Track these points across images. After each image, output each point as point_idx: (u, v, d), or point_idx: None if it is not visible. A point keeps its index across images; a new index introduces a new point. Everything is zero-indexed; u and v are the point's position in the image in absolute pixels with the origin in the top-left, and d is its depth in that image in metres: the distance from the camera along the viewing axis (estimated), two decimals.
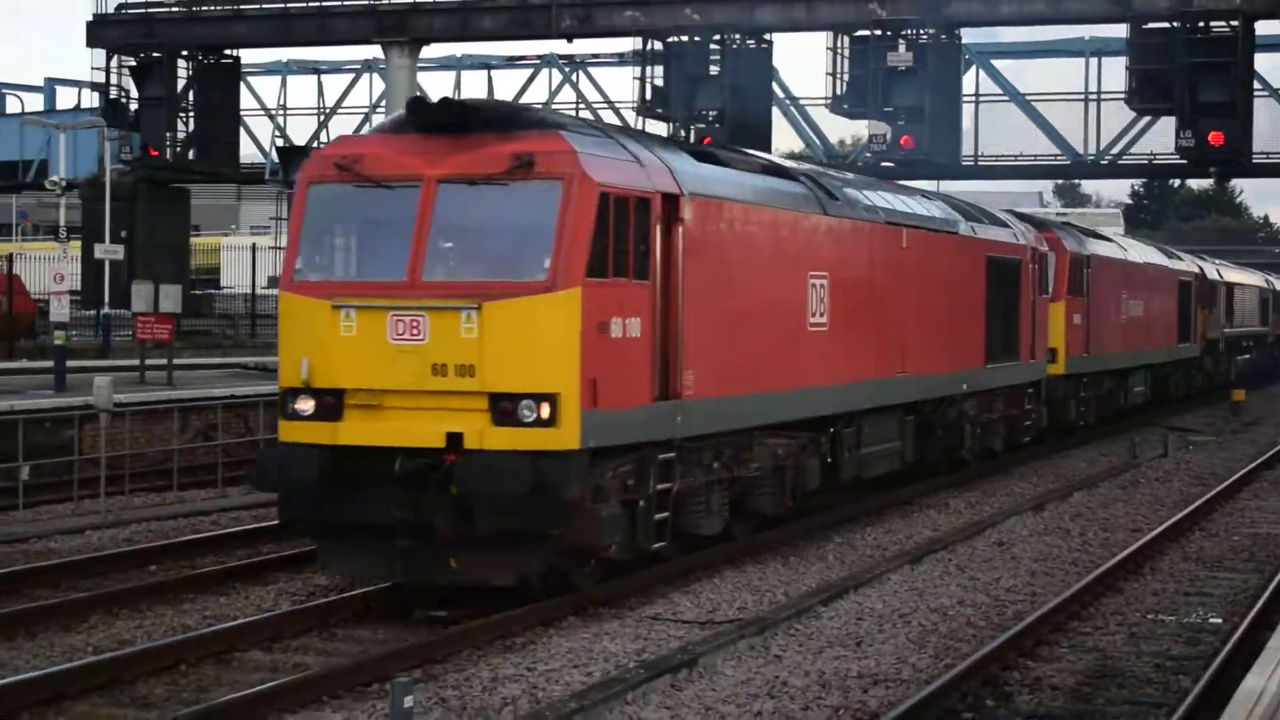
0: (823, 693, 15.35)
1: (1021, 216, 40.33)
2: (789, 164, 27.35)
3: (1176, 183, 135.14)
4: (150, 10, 55.51)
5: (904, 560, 22.62)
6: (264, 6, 53.67)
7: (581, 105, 64.51)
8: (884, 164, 50.31)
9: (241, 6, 53.89)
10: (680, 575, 20.94)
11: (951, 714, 14.85)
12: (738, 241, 21.55)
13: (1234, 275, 72.39)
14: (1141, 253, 50.87)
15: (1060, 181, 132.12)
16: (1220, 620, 19.31)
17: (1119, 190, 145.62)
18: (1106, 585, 21.09)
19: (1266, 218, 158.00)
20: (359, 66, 65.36)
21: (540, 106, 25.80)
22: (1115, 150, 58.06)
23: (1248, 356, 76.13)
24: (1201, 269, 61.02)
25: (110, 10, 57.34)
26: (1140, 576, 22.23)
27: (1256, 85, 49.87)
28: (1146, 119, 53.52)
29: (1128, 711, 15.18)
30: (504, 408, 17.26)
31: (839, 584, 20.67)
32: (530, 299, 17.47)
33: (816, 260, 23.97)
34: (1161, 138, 53.23)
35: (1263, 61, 50.79)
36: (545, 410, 17.21)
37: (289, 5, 53.73)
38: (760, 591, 20.32)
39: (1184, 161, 50.71)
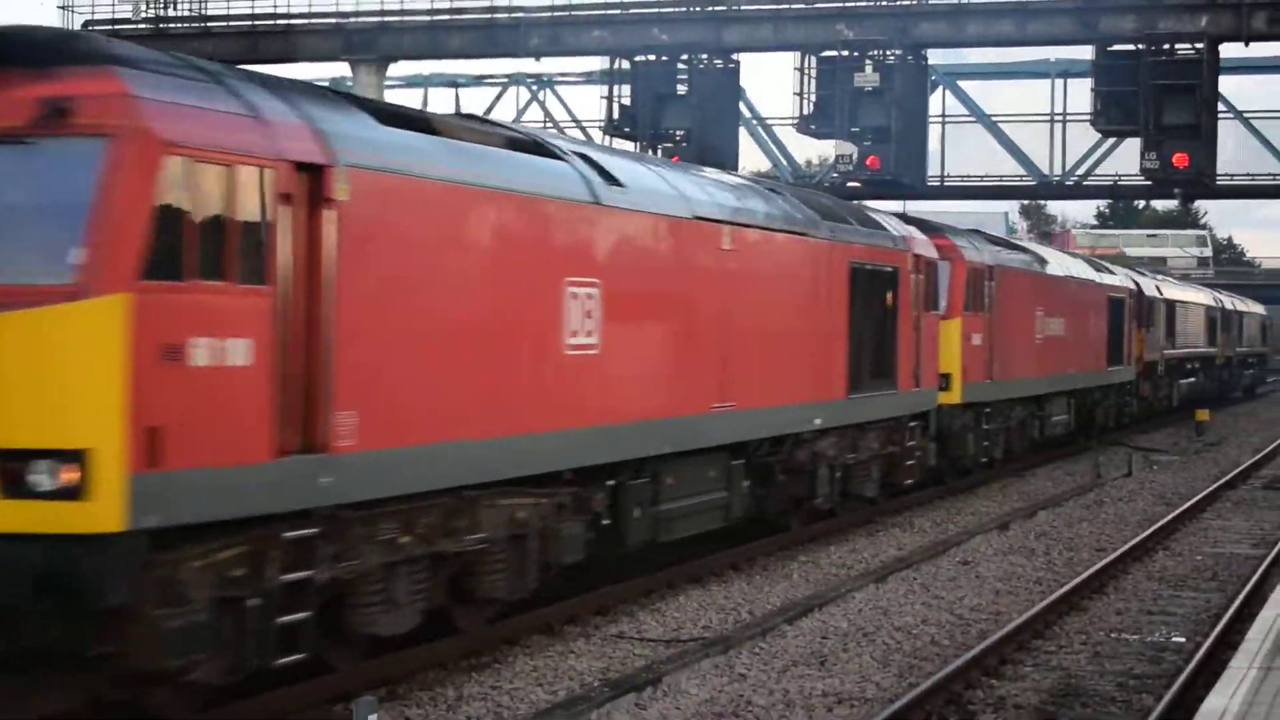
0: (787, 711, 15.38)
1: (920, 222, 34.60)
2: (557, 142, 20.67)
3: (1141, 204, 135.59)
4: (117, 27, 55.26)
5: (869, 579, 22.69)
6: (231, 24, 53.55)
7: (549, 123, 64.56)
8: (850, 184, 50.46)
9: (209, 24, 53.81)
10: (645, 593, 20.95)
11: None
12: (439, 235, 15.83)
13: (1176, 292, 66.96)
14: (1063, 265, 45.83)
15: (1026, 202, 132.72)
16: (1183, 639, 19.37)
17: (1084, 211, 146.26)
18: (1070, 604, 21.17)
19: (1230, 238, 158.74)
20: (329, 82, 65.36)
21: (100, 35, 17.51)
22: (1080, 171, 58.39)
23: (1193, 380, 69.07)
24: (1138, 284, 56.09)
25: (76, 28, 57.18)
26: (1104, 595, 22.33)
27: (1221, 108, 50.02)
28: (1111, 140, 53.78)
29: None
30: (8, 470, 11.80)
31: (804, 602, 20.72)
32: (47, 310, 11.91)
33: (581, 264, 18.38)
34: (1126, 159, 53.43)
35: (1227, 84, 50.96)
36: (70, 475, 11.76)
37: (256, 24, 53.59)
38: (725, 610, 20.36)
39: (1149, 183, 50.79)
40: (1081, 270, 46.98)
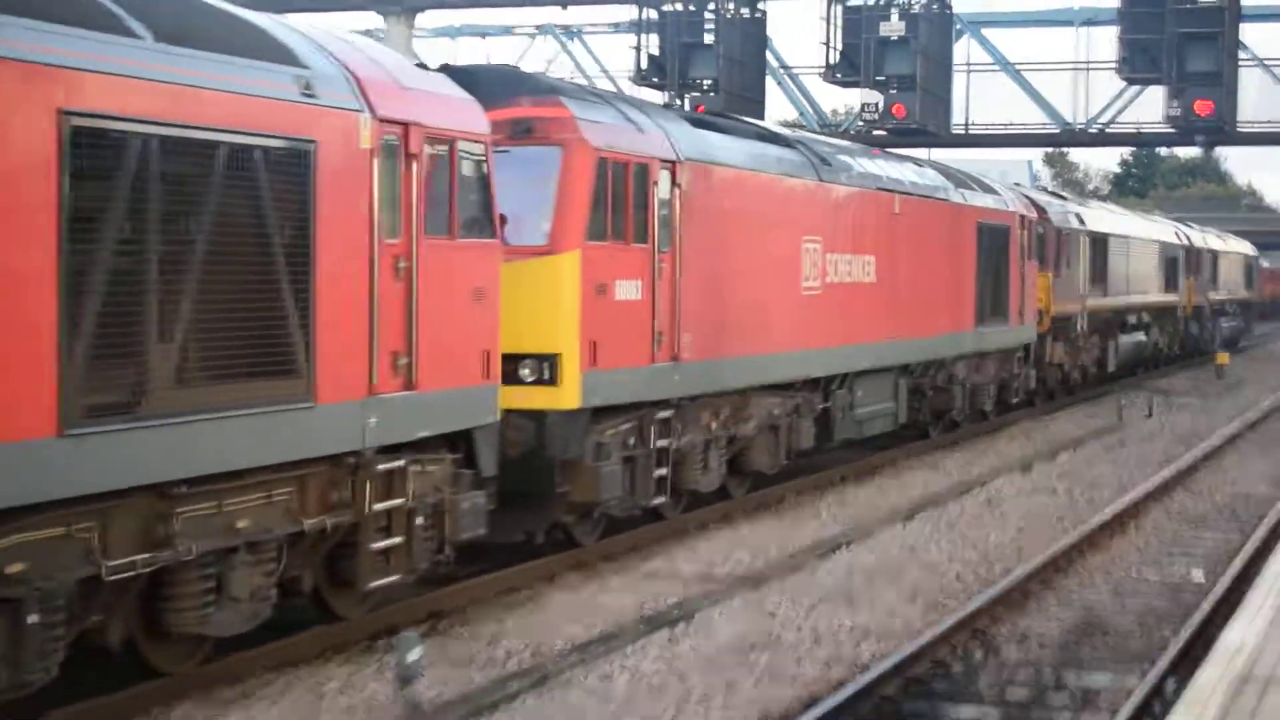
0: (815, 646, 15.46)
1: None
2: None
3: (1164, 151, 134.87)
4: None
5: (896, 517, 22.81)
6: None
7: (576, 74, 64.46)
8: (876, 132, 50.35)
9: None
10: (678, 532, 21.13)
11: (941, 666, 14.99)
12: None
13: (1110, 222, 48.53)
14: (870, 172, 27.34)
15: (1050, 150, 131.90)
16: (1201, 576, 19.46)
17: (1109, 159, 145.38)
18: (1092, 542, 21.24)
19: (1250, 184, 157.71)
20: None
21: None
22: (1104, 119, 58.04)
23: (1139, 338, 50.79)
24: (1041, 209, 39.28)
25: None
26: (1125, 534, 22.41)
27: (1243, 55, 49.81)
28: (1135, 89, 53.46)
29: (1112, 662, 15.31)
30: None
31: (832, 540, 20.85)
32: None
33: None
34: (1150, 108, 53.18)
35: (1249, 32, 50.72)
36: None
37: None
38: (755, 548, 20.44)
39: (1172, 130, 50.66)
40: (920, 181, 29.66)
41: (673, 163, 19.25)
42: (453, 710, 12.78)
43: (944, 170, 32.47)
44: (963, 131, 56.44)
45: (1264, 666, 11.67)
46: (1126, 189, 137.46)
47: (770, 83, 55.65)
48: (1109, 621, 16.98)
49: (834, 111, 71.43)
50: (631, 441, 18.80)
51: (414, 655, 12.82)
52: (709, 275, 20.17)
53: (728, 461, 21.89)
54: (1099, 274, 44.61)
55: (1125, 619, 17.12)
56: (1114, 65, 50.22)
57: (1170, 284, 55.99)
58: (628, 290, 18.08)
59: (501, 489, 16.40)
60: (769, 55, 55.20)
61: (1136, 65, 48.66)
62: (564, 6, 54.98)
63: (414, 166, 14.42)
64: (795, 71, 61.36)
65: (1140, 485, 26.23)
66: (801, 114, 61.15)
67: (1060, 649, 15.82)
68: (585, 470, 17.62)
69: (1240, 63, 48.95)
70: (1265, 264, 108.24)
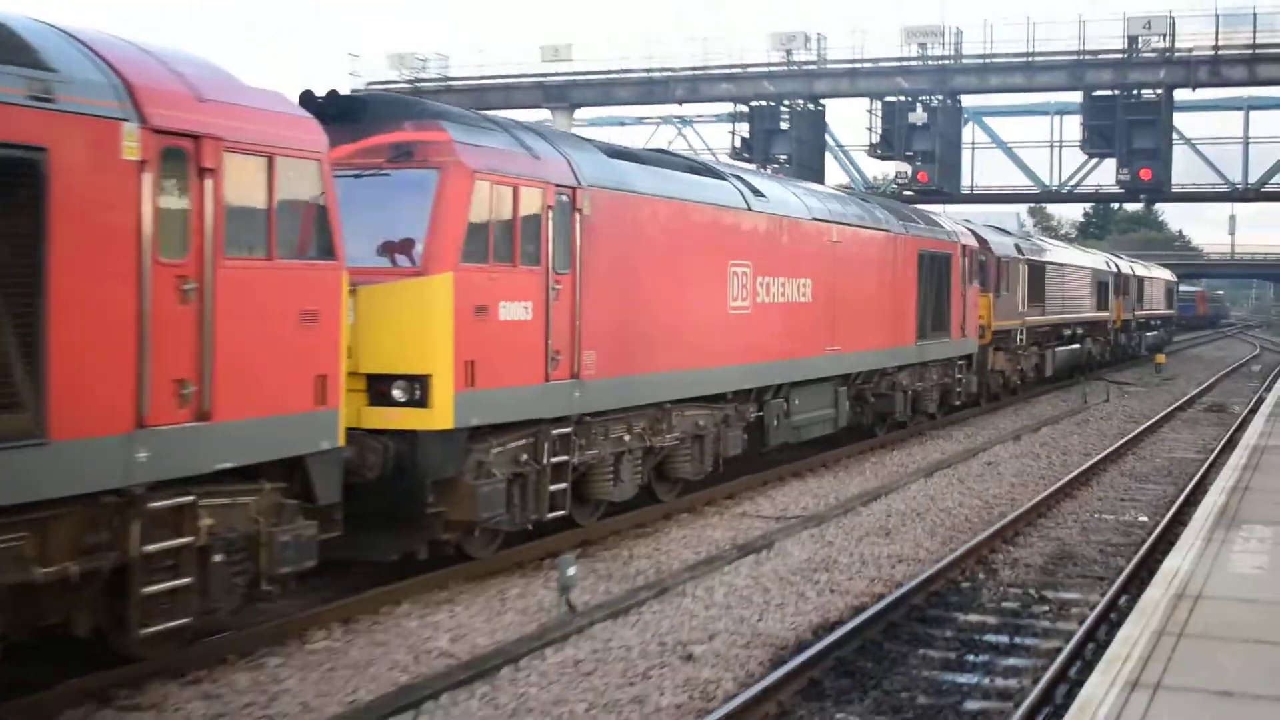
0: (863, 567, 15.44)
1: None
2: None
3: (1116, 206, 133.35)
4: (387, 87, 55.74)
5: (920, 474, 22.66)
6: (466, 83, 53.94)
7: (690, 152, 64.49)
8: (905, 193, 50.21)
9: (450, 83, 54.21)
10: (762, 484, 21.07)
11: (953, 583, 14.87)
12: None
13: (1049, 253, 43.30)
14: (807, 203, 22.52)
15: (1031, 205, 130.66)
16: (1146, 518, 19.23)
17: (1075, 211, 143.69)
18: (1064, 493, 21.04)
19: (1181, 231, 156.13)
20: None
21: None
22: (1072, 183, 57.63)
23: (1073, 347, 45.75)
24: (985, 241, 34.61)
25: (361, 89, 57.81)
26: (1089, 486, 22.15)
27: (1175, 136, 49.33)
28: (1095, 160, 53.01)
29: (1080, 583, 15.16)
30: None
31: (874, 491, 20.74)
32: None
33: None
34: (1106, 174, 52.76)
35: (1179, 120, 50.25)
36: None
37: (484, 82, 53.99)
38: (818, 496, 20.42)
39: (1122, 191, 50.27)
40: (861, 214, 25.05)
41: (572, 188, 14.92)
42: (598, 611, 12.77)
43: (892, 207, 28.03)
44: (969, 191, 56.19)
45: (1194, 587, 11.52)
46: (1088, 234, 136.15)
47: (829, 157, 55.61)
48: (1078, 552, 16.80)
49: (875, 178, 70.94)
50: (524, 458, 14.40)
51: (571, 571, 12.84)
52: (619, 296, 15.94)
53: (657, 469, 17.95)
54: (1037, 295, 39.99)
55: (1090, 550, 16.93)
56: (1079, 143, 49.92)
57: (1102, 303, 51.11)
58: (515, 311, 13.93)
59: (370, 510, 12.58)
60: (828, 137, 55.07)
61: (1095, 143, 48.45)
62: (680, 104, 54.95)
63: (208, 182, 10.06)
64: (847, 149, 61.28)
65: (1100, 451, 25.90)
66: (851, 180, 61.00)
67: (1042, 572, 15.68)
68: (463, 489, 13.34)
69: (1173, 142, 48.50)
70: (1184, 288, 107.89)
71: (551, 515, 14.87)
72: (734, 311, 19.00)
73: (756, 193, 20.21)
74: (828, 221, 22.66)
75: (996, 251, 35.54)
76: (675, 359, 17.33)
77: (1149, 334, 65.02)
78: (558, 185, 14.73)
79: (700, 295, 18.07)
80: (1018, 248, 38.57)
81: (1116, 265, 55.75)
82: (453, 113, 14.37)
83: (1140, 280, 61.67)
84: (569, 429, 15.05)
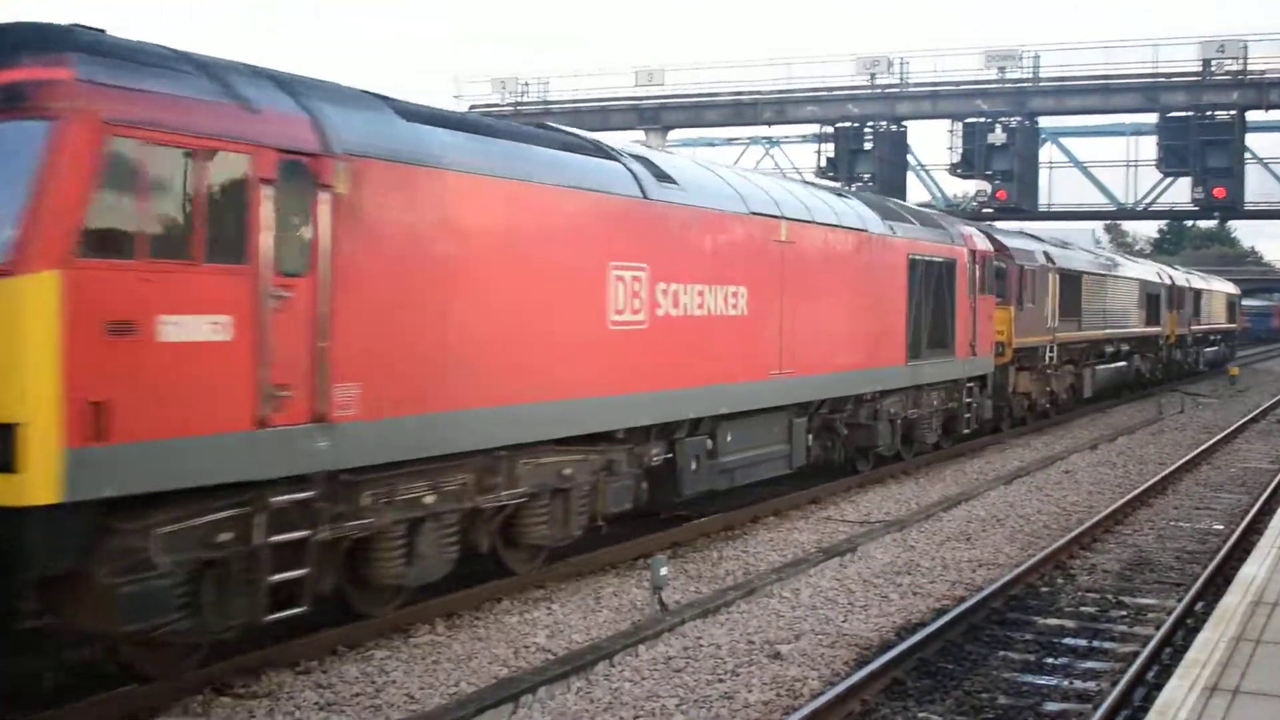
0: (944, 571, 15.29)
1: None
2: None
3: (1190, 223, 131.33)
4: (489, 109, 56.13)
5: (1000, 482, 22.38)
6: (565, 105, 54.16)
7: (777, 171, 64.32)
8: (984, 210, 49.80)
9: (550, 105, 54.43)
10: (845, 489, 20.90)
11: (1032, 587, 14.66)
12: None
13: (1084, 262, 37.44)
14: (751, 193, 17.50)
15: (1107, 223, 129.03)
16: (1222, 526, 18.87)
17: (1150, 228, 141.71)
18: (1141, 501, 20.69)
19: (1254, 248, 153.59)
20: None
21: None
22: (1147, 200, 56.84)
23: (1119, 365, 40.73)
24: (1002, 246, 29.81)
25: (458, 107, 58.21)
26: (1165, 495, 21.78)
27: (1248, 156, 48.56)
28: (1170, 179, 52.25)
29: (1157, 589, 14.88)
30: None
31: (955, 497, 20.51)
32: None
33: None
34: (1180, 192, 51.94)
35: (1252, 140, 49.48)
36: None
37: (579, 104, 54.16)
38: (900, 501, 20.22)
39: (1196, 208, 49.57)
40: (825, 208, 19.67)
41: (314, 155, 9.90)
42: (689, 609, 12.70)
43: (874, 202, 22.38)
44: (1046, 209, 55.55)
45: (1271, 594, 11.28)
46: (1163, 250, 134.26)
47: (910, 176, 55.26)
48: (1154, 559, 16.50)
49: (955, 195, 70.28)
50: (223, 538, 9.44)
51: (663, 571, 12.78)
52: (411, 307, 10.89)
53: (502, 532, 13.03)
54: (1071, 308, 34.45)
55: (1166, 557, 16.62)
56: (1154, 163, 49.29)
57: (1153, 317, 45.52)
58: (194, 329, 8.88)
59: None
60: (909, 157, 54.68)
61: (1170, 163, 47.75)
62: (769, 126, 54.90)
63: None
64: (928, 168, 60.75)
65: (1176, 461, 25.45)
66: (933, 198, 60.51)
67: (1119, 577, 15.42)
68: (96, 589, 8.60)
69: (1245, 161, 47.76)
70: (1255, 302, 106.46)
71: (270, 619, 9.82)
72: (618, 327, 13.88)
73: (662, 177, 15.07)
74: (773, 216, 17.19)
75: (1019, 259, 30.46)
76: (516, 390, 12.31)
77: (1208, 349, 59.12)
78: (284, 151, 9.77)
79: (561, 306, 12.99)
80: (1047, 255, 33.05)
81: (1170, 277, 50.39)
82: (101, 42, 9.16)
83: (1197, 293, 55.94)
84: (307, 493, 10.06)
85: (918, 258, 22.37)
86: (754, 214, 16.79)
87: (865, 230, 20.26)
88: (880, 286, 20.88)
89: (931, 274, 23.00)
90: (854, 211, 20.40)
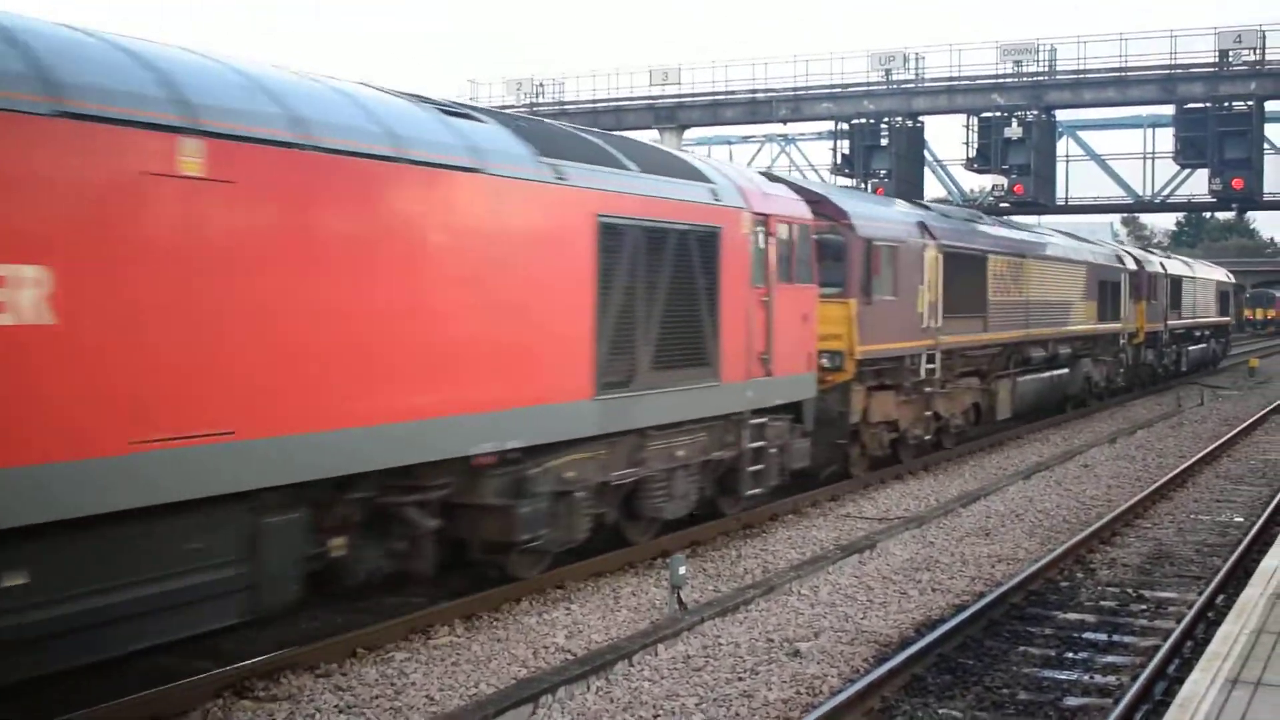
0: (963, 567, 15.21)
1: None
2: None
3: (1208, 215, 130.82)
4: (503, 110, 56.15)
5: (1019, 476, 22.28)
6: (580, 106, 54.21)
7: (793, 169, 64.28)
8: (1002, 205, 49.68)
9: (565, 106, 54.49)
10: (864, 486, 20.84)
11: (1052, 582, 14.58)
12: None
13: (987, 237, 26.94)
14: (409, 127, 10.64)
15: (1125, 216, 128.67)
16: (1242, 519, 18.77)
17: (1168, 220, 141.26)
18: (1160, 495, 20.57)
19: (1273, 239, 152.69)
20: None
21: None
22: (1165, 192, 56.64)
23: (1061, 372, 31.41)
24: (840, 210, 20.35)
25: None
26: (1184, 488, 21.67)
27: (1266, 146, 48.36)
28: (1187, 171, 52.09)
29: (1177, 582, 14.81)
30: None
31: (974, 492, 20.42)
32: None
33: None
34: (1198, 184, 51.79)
35: (1270, 130, 49.27)
36: None
37: (596, 104, 54.23)
38: (919, 497, 20.16)
39: (1214, 200, 49.36)
40: (348, 124, 10.21)
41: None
42: (708, 609, 12.66)
43: (527, 129, 13.09)
44: (1063, 202, 55.41)
45: None
46: (1181, 242, 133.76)
47: (927, 172, 55.20)
48: (1175, 552, 16.42)
49: (972, 190, 70.22)
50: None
51: (681, 570, 12.75)
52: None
53: None
54: (968, 299, 24.79)
55: (1186, 550, 16.54)
56: (1172, 155, 49.12)
57: (1109, 310, 35.09)
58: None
59: None
60: (926, 152, 54.61)
61: (1188, 154, 47.66)
62: (784, 123, 54.96)
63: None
64: (945, 163, 60.70)
65: (1195, 454, 25.34)
66: (950, 193, 60.45)
67: (1139, 571, 15.34)
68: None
69: (1264, 151, 47.55)
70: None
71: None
72: None
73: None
74: (152, 128, 8.53)
75: (861, 229, 20.53)
76: None
77: (1192, 348, 47.79)
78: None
79: None
80: (923, 225, 23.24)
81: (1136, 260, 39.46)
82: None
83: (1175, 281, 43.95)
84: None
85: (621, 222, 13.43)
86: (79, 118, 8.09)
87: (463, 169, 11.31)
88: (517, 269, 11.95)
89: (672, 249, 14.31)
90: (440, 131, 11.45)
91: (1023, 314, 28.09)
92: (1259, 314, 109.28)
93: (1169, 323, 43.23)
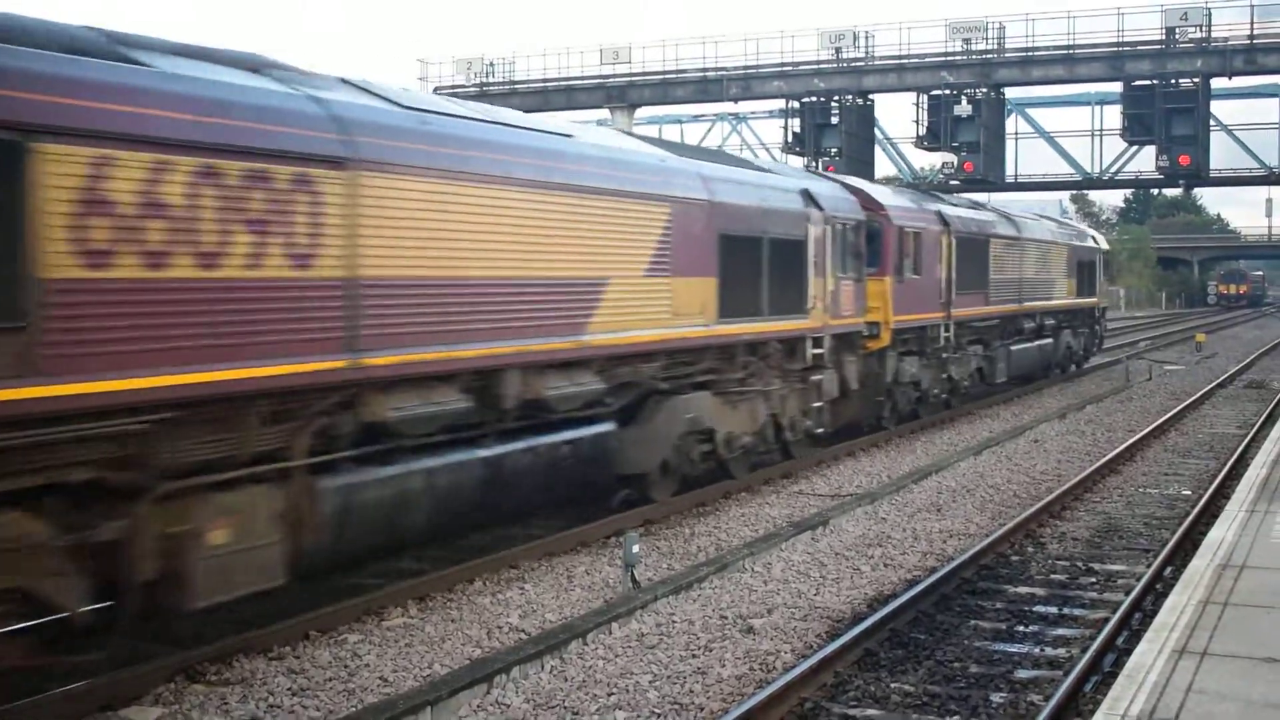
0: (915, 543, 15.31)
1: None
2: None
3: (1156, 191, 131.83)
4: (455, 91, 55.81)
5: (969, 452, 22.41)
6: (531, 85, 53.94)
7: (744, 147, 64.29)
8: (951, 182, 49.84)
9: (516, 86, 54.20)
10: (816, 463, 20.92)
11: (1003, 557, 14.70)
12: None
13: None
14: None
15: (1074, 193, 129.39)
16: (1190, 492, 18.96)
17: (1116, 197, 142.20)
18: (1109, 468, 20.76)
19: (1219, 215, 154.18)
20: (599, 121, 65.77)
21: None
22: (1113, 170, 57.03)
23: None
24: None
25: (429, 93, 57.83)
26: (1133, 462, 21.87)
27: (1213, 123, 48.70)
28: (1135, 148, 52.44)
29: (1126, 555, 14.95)
30: None
31: (925, 468, 20.53)
32: None
33: None
34: (1145, 161, 52.14)
35: (1216, 106, 49.61)
36: None
37: (547, 84, 53.96)
38: (871, 474, 20.25)
39: (1161, 177, 49.69)
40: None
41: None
42: (662, 586, 12.68)
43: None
44: (1013, 180, 55.66)
45: (1238, 557, 11.32)
46: (1129, 219, 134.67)
47: (878, 150, 55.29)
48: (1123, 525, 16.58)
49: (922, 168, 70.43)
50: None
51: (635, 548, 12.77)
52: None
53: None
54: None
55: (1135, 523, 16.70)
56: (1119, 132, 49.37)
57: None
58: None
59: None
60: (876, 130, 54.69)
61: (1135, 131, 47.80)
62: (735, 101, 54.77)
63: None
64: (895, 141, 60.89)
65: (1144, 428, 25.56)
66: (900, 171, 60.61)
67: (1089, 545, 15.48)
68: None
69: (1210, 128, 47.87)
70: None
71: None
72: None
73: None
74: None
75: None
76: None
77: (997, 361, 30.49)
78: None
79: None
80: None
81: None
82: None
83: (986, 241, 29.33)
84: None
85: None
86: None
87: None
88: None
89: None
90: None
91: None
92: (1231, 289, 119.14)
93: (954, 314, 27.48)
